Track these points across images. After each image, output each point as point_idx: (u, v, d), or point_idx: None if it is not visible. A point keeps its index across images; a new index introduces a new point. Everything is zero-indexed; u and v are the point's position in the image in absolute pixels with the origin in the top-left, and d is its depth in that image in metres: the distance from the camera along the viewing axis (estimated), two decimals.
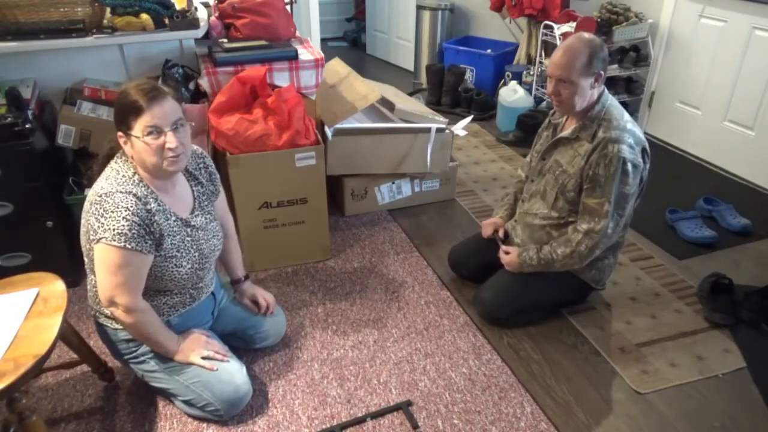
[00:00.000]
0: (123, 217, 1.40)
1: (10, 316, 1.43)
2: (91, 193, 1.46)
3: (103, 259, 1.42)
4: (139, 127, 1.40)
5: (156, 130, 1.41)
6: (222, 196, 1.78)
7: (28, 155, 1.97)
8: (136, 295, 1.48)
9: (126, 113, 1.41)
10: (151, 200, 1.47)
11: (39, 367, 1.33)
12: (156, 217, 1.46)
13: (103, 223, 1.40)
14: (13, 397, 1.31)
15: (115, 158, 1.52)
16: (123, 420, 1.67)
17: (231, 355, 1.69)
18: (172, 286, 1.57)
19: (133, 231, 1.41)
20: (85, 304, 2.10)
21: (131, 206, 1.41)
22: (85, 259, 1.54)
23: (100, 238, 1.40)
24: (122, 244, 1.39)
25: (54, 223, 2.09)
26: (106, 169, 1.51)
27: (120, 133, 1.45)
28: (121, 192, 1.42)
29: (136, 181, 1.47)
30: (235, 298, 1.88)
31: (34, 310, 1.46)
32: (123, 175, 1.47)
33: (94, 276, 1.52)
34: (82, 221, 1.48)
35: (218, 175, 1.75)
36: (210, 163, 1.72)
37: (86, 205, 1.46)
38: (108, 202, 1.41)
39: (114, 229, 1.39)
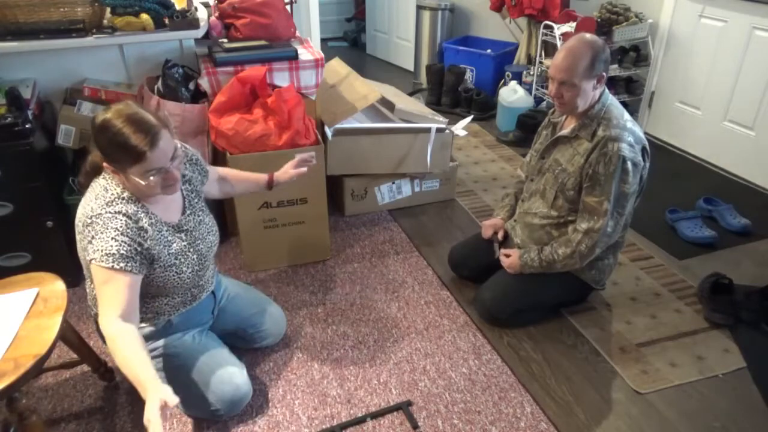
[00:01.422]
0: (112, 238, 1.37)
1: (10, 316, 1.43)
2: (80, 214, 1.43)
3: (95, 279, 1.39)
4: (139, 171, 1.36)
5: (158, 171, 1.39)
6: (211, 171, 1.76)
7: (28, 155, 1.97)
8: (113, 314, 1.35)
9: (123, 157, 1.35)
10: (142, 216, 1.44)
11: (39, 367, 1.33)
12: (149, 233, 1.44)
13: (93, 244, 1.38)
14: (13, 397, 1.32)
15: (103, 174, 1.48)
16: (123, 420, 1.67)
17: (231, 355, 1.69)
18: (175, 290, 1.57)
19: (122, 251, 1.37)
20: (85, 304, 2.10)
21: (120, 227, 1.38)
22: (83, 267, 1.53)
23: (91, 259, 1.38)
24: (110, 264, 1.36)
25: (54, 223, 2.09)
26: (93, 184, 1.47)
27: (107, 165, 1.40)
28: (109, 213, 1.39)
29: (126, 199, 1.43)
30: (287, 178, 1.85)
31: (34, 310, 1.46)
32: (111, 193, 1.43)
33: (92, 282, 1.52)
34: (77, 238, 1.45)
35: (199, 157, 1.70)
36: (188, 151, 1.66)
37: (78, 226, 1.43)
38: (98, 224, 1.38)
39: (102, 250, 1.36)
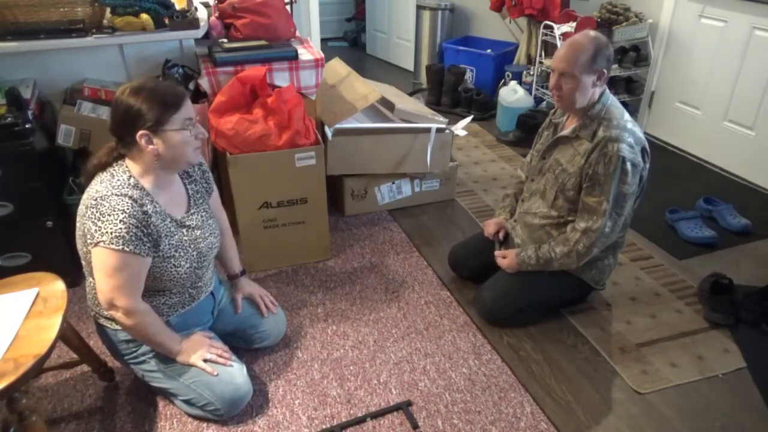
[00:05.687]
0: (120, 220, 1.39)
1: (10, 316, 1.43)
2: (85, 197, 1.46)
3: (101, 262, 1.42)
4: (178, 120, 1.45)
5: (191, 122, 1.48)
6: (215, 193, 1.79)
7: (28, 155, 1.96)
8: (135, 297, 1.48)
9: (162, 110, 1.42)
10: (147, 202, 1.47)
11: (39, 367, 1.33)
12: (152, 219, 1.46)
13: (100, 227, 1.40)
14: (13, 397, 1.31)
15: (111, 165, 1.51)
16: (123, 420, 1.67)
17: (231, 355, 1.69)
18: (171, 285, 1.57)
19: (131, 233, 1.40)
20: (85, 304, 2.09)
21: (127, 209, 1.41)
22: (83, 262, 1.54)
23: (98, 242, 1.40)
24: (120, 247, 1.39)
25: (54, 223, 2.09)
26: (99, 175, 1.49)
27: (143, 132, 1.41)
28: (116, 195, 1.41)
29: (132, 184, 1.46)
30: (230, 293, 1.88)
31: (34, 310, 1.46)
32: (118, 179, 1.46)
33: (93, 278, 1.52)
34: (78, 225, 1.48)
35: (210, 173, 1.76)
36: (202, 161, 1.73)
37: (81, 209, 1.46)
38: (104, 206, 1.40)
39: (111, 233, 1.39)
